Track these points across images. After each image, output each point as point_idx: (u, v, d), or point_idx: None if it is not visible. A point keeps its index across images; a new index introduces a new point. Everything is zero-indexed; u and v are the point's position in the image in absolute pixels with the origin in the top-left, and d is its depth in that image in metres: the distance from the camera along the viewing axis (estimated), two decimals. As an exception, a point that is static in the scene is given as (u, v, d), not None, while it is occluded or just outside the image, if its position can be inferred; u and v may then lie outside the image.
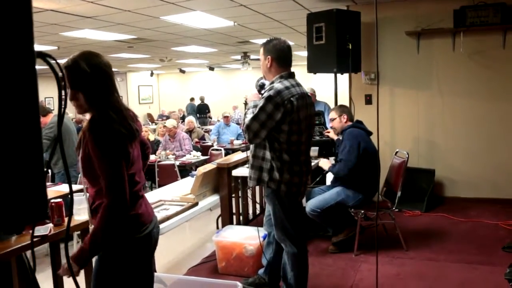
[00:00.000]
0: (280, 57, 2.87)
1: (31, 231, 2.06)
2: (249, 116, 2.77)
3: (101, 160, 1.78)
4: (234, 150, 7.51)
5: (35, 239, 2.42)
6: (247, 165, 3.04)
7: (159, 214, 3.36)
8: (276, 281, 3.31)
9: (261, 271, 3.46)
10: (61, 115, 1.02)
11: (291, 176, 2.83)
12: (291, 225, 2.93)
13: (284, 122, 2.74)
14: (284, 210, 2.90)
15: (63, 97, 1.04)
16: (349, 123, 4.21)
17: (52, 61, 0.95)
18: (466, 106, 5.67)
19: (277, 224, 2.96)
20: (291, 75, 2.89)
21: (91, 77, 1.85)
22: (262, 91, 2.94)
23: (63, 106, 1.03)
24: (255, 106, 2.83)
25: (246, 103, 3.03)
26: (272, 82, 2.86)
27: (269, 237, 3.33)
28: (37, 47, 0.80)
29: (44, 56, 0.92)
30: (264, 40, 2.97)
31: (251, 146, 2.93)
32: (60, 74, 1.00)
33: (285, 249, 3.02)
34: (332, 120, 4.32)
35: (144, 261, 2.01)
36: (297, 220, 2.98)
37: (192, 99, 17.86)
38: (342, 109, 4.31)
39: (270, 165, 2.83)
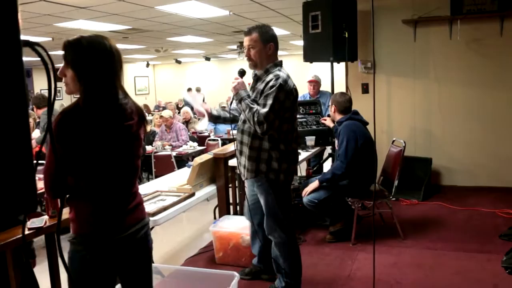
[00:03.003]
0: (278, 44, 2.93)
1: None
2: (256, 106, 2.72)
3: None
4: (230, 140, 7.49)
5: (30, 231, 2.40)
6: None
7: (156, 204, 3.35)
8: (272, 267, 3.30)
9: (254, 260, 3.46)
10: (50, 105, 1.00)
11: (288, 165, 2.84)
12: (283, 213, 2.93)
13: (289, 110, 2.78)
14: (278, 199, 2.90)
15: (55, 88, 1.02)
16: (342, 116, 4.12)
17: (41, 50, 0.92)
18: (463, 94, 5.66)
19: (269, 214, 2.94)
20: (281, 63, 2.92)
21: (84, 53, 1.69)
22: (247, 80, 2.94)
23: (52, 98, 1.01)
24: (249, 96, 2.80)
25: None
26: (267, 70, 2.85)
27: (253, 226, 3.30)
28: (31, 39, 0.78)
29: (31, 44, 0.89)
30: (246, 28, 2.91)
31: (245, 137, 2.88)
32: (49, 64, 0.98)
33: (274, 241, 3.00)
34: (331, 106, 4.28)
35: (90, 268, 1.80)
36: (288, 208, 2.98)
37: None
38: (333, 98, 4.26)
39: (268, 155, 2.81)
